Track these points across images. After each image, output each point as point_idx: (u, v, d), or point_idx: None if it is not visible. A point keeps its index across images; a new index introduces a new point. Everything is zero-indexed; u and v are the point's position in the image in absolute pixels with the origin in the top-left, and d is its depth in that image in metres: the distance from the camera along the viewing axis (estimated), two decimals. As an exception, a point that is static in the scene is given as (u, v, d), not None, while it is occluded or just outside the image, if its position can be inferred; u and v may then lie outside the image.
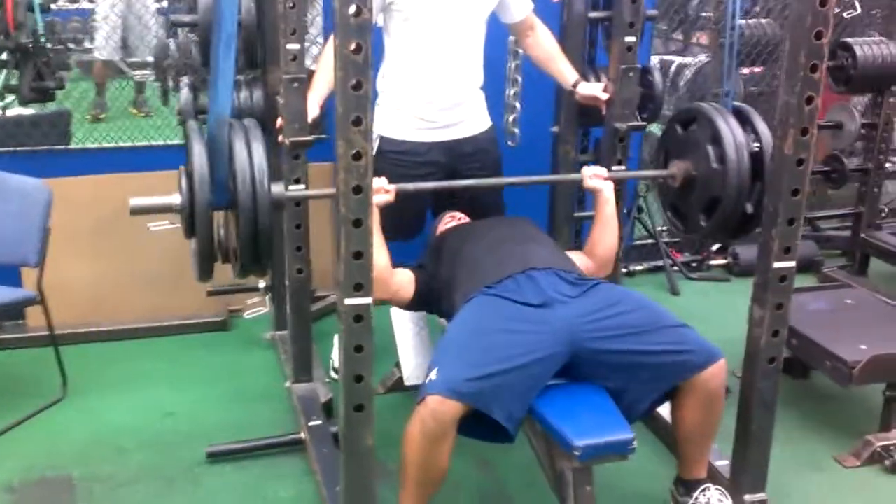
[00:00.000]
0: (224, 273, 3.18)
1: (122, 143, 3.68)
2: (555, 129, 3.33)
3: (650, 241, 4.27)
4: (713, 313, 3.85)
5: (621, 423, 2.06)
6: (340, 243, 1.88)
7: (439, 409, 2.01)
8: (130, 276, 3.47)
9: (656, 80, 3.32)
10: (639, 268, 4.16)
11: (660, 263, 4.19)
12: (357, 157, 1.82)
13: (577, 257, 2.67)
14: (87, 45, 6.84)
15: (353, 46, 1.76)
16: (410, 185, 2.55)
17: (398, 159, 2.86)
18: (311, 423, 2.70)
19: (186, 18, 3.05)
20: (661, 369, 2.21)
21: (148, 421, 2.89)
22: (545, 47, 3.03)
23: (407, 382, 2.92)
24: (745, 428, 2.35)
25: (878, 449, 2.67)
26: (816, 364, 2.79)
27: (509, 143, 3.21)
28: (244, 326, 3.54)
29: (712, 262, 4.32)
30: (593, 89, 2.94)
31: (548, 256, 2.45)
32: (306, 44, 2.83)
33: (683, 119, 2.64)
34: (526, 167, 3.20)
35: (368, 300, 1.91)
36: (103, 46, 6.02)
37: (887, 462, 2.65)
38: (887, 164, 4.23)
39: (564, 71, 3.01)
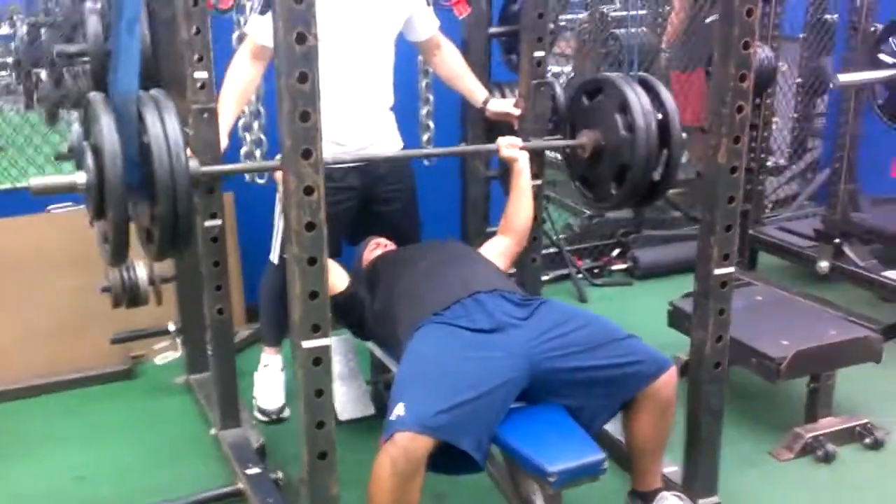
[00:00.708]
0: (127, 319, 3.02)
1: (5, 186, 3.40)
2: (462, 145, 3.32)
3: (553, 249, 4.30)
4: (621, 317, 3.77)
5: (590, 444, 2.05)
6: (294, 283, 1.79)
7: (411, 445, 1.93)
8: (23, 329, 3.20)
9: (557, 93, 3.35)
10: (545, 277, 4.17)
11: (565, 272, 4.23)
12: (308, 191, 1.73)
13: (495, 244, 2.69)
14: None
15: (297, 75, 1.66)
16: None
17: None
18: (248, 472, 2.54)
19: (73, 49, 2.83)
20: (615, 382, 2.21)
21: (60, 488, 2.66)
22: (452, 65, 3.00)
23: (340, 417, 2.83)
24: (695, 434, 2.37)
25: (809, 440, 2.77)
26: (741, 362, 2.85)
27: (426, 162, 3.16)
28: (151, 373, 3.32)
29: (614, 268, 4.40)
30: (504, 105, 2.93)
31: (488, 277, 2.42)
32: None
33: (590, 89, 2.67)
34: (440, 185, 3.17)
35: (327, 341, 1.82)
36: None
37: (819, 452, 2.74)
38: (768, 163, 4.44)
39: (474, 88, 2.99)
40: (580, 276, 4.24)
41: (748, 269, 4.30)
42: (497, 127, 3.24)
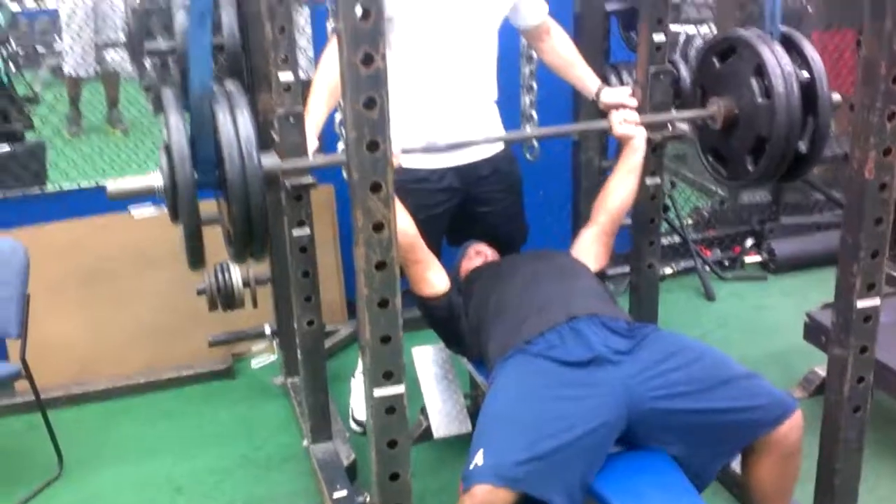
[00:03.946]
0: (225, 321, 2.95)
1: (102, 182, 3.37)
2: (575, 136, 3.06)
3: (677, 239, 3.98)
4: (755, 319, 3.59)
5: (699, 505, 1.79)
6: (364, 327, 1.61)
7: (489, 499, 1.74)
8: (122, 327, 3.19)
9: (682, 75, 3.03)
10: (668, 271, 3.87)
11: (690, 264, 3.91)
12: (378, 228, 1.54)
13: (584, 239, 2.45)
14: (56, 47, 6.48)
15: (364, 100, 1.47)
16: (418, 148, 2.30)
17: (413, 189, 2.57)
18: (335, 495, 2.43)
19: (163, 46, 2.73)
20: (731, 428, 1.96)
21: (156, 500, 2.62)
22: (563, 53, 2.72)
23: (436, 434, 2.66)
24: (829, 483, 2.07)
25: (966, 484, 2.42)
26: (888, 389, 2.52)
27: (528, 156, 2.91)
28: (251, 373, 3.26)
29: (747, 260, 4.05)
30: (619, 96, 2.62)
31: (590, 298, 2.18)
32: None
33: (721, 49, 2.34)
34: (546, 182, 2.93)
35: (401, 389, 1.65)
36: (73, 64, 5.61)
37: (977, 499, 2.39)
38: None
39: (585, 78, 2.70)
40: (707, 269, 3.91)
41: (901, 261, 3.88)
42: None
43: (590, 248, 2.41)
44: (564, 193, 3.10)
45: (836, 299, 2.00)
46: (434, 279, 2.33)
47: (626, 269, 3.19)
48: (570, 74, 2.73)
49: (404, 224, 2.15)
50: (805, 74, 2.15)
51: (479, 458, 1.80)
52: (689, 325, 3.49)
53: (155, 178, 1.78)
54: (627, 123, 2.39)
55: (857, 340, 1.96)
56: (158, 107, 3.65)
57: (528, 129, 2.91)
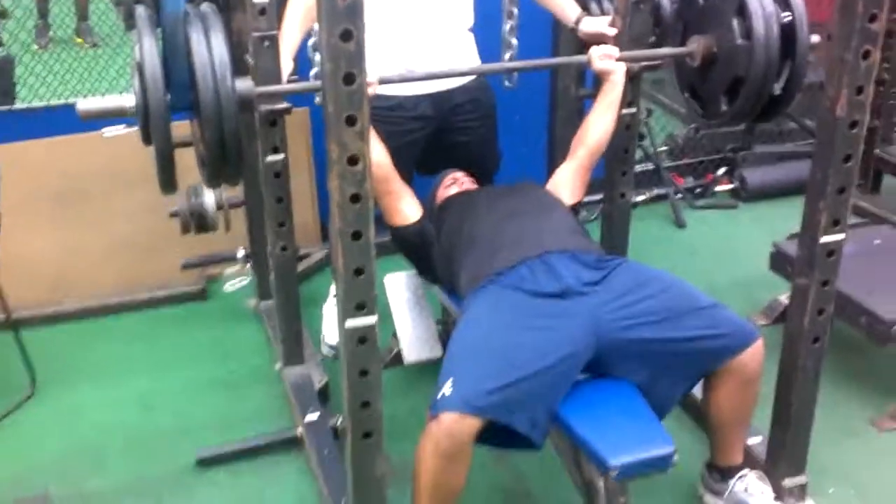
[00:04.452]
0: (198, 242, 2.94)
1: (72, 100, 3.31)
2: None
3: (650, 166, 4.00)
4: (723, 247, 3.64)
5: (660, 434, 1.85)
6: (337, 258, 1.63)
7: (456, 427, 1.79)
8: (95, 247, 3.17)
9: (663, 3, 3.00)
10: (641, 198, 3.88)
11: (663, 191, 3.94)
12: (353, 161, 1.54)
13: (562, 173, 2.45)
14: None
15: (340, 31, 1.45)
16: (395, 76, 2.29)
17: (387, 116, 2.56)
18: (307, 417, 2.47)
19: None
20: (695, 356, 2.01)
21: (129, 418, 2.66)
22: None
23: (407, 359, 2.70)
24: (785, 410, 2.16)
25: (918, 410, 2.51)
26: (848, 320, 2.59)
27: (506, 83, 2.89)
28: (224, 295, 3.26)
29: (718, 188, 4.07)
30: (598, 25, 2.59)
31: (564, 233, 2.20)
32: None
33: None
34: (523, 110, 2.92)
35: (372, 319, 1.67)
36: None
37: (928, 426, 2.49)
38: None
39: (565, 5, 2.66)
40: (679, 196, 3.94)
41: (871, 192, 3.93)
42: (589, 43, 2.94)
43: (567, 182, 2.42)
44: (541, 121, 3.09)
45: (801, 233, 2.04)
46: (406, 209, 2.34)
47: (599, 196, 3.21)
48: (549, 2, 2.69)
49: (378, 155, 2.15)
50: (786, 16, 2.13)
51: (447, 387, 1.83)
52: (659, 253, 3.53)
53: (127, 99, 1.75)
54: (607, 58, 2.37)
55: (819, 274, 2.01)
56: (130, 23, 3.56)
57: (507, 60, 2.87)
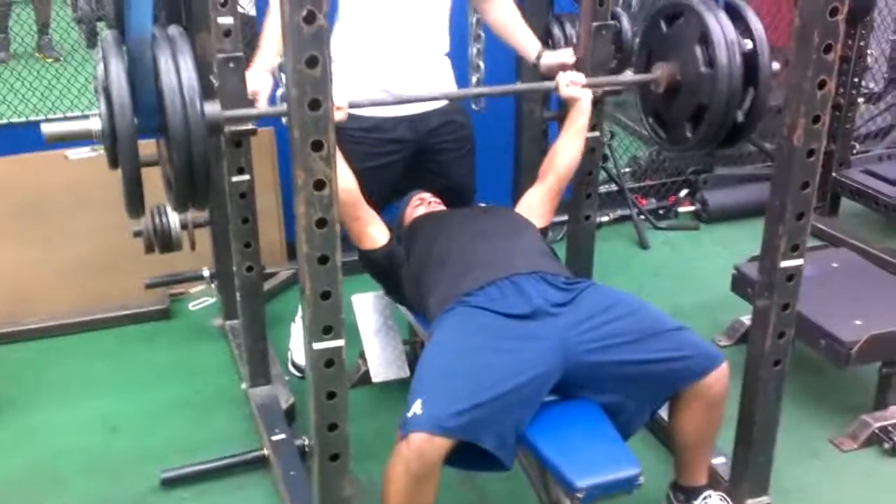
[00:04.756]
0: (162, 262, 2.92)
1: (33, 118, 3.28)
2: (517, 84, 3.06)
3: (614, 188, 4.05)
4: (686, 268, 3.69)
5: (625, 456, 1.87)
6: (304, 282, 1.63)
7: (426, 447, 1.79)
8: (57, 265, 3.14)
9: (624, 27, 3.05)
10: (605, 219, 3.92)
11: (626, 212, 3.98)
12: (319, 186, 1.55)
13: (530, 196, 2.47)
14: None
15: (306, 58, 1.46)
16: (365, 101, 2.27)
17: (363, 137, 2.57)
18: (273, 438, 2.47)
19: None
20: (660, 379, 2.04)
21: (92, 439, 2.62)
22: (504, 15, 2.71)
23: (374, 379, 2.71)
24: (748, 432, 2.19)
25: (876, 430, 2.55)
26: (808, 342, 2.63)
27: (474, 106, 2.92)
28: (188, 314, 3.25)
29: (680, 209, 4.13)
30: (559, 57, 2.62)
31: (532, 256, 2.22)
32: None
33: (668, 14, 2.35)
34: (492, 132, 2.95)
35: (340, 343, 1.68)
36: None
37: (886, 445, 2.53)
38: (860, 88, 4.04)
39: (525, 42, 2.69)
40: (642, 217, 3.99)
41: (829, 215, 4.00)
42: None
43: (538, 206, 2.44)
44: (507, 142, 3.12)
45: (761, 258, 2.08)
46: (375, 234, 2.34)
47: (564, 217, 3.25)
48: (511, 37, 2.72)
49: (346, 181, 2.16)
50: (748, 44, 2.18)
51: (417, 407, 1.84)
52: (622, 273, 3.57)
53: (93, 123, 1.73)
54: (573, 85, 2.40)
55: (779, 298, 2.05)
56: (92, 41, 3.54)
57: (474, 83, 2.91)
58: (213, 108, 1.81)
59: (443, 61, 2.68)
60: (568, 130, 2.45)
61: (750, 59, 2.18)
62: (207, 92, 2.37)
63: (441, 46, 2.65)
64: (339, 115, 2.11)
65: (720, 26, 2.17)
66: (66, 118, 3.18)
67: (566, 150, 2.46)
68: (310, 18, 1.44)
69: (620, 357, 2.00)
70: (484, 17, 2.76)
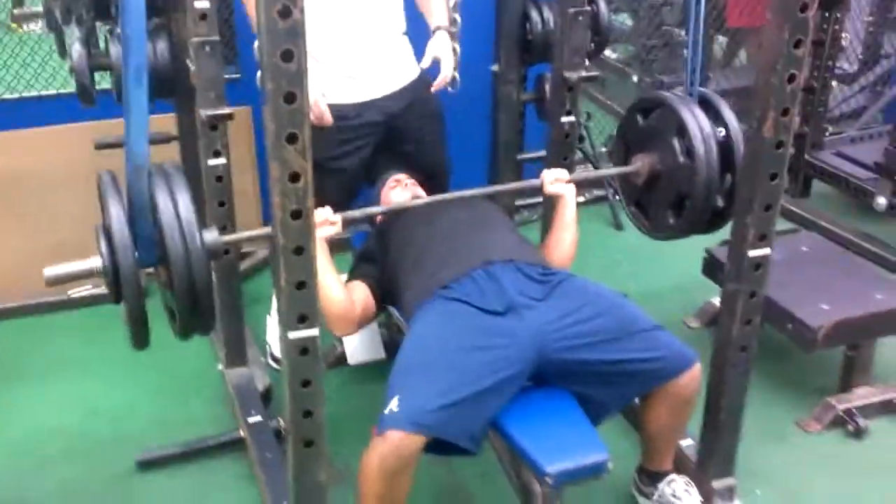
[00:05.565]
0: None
1: (6, 96, 3.25)
2: (494, 67, 3.07)
3: (590, 168, 4.07)
4: (660, 250, 3.64)
5: (595, 442, 1.92)
6: (280, 272, 1.66)
7: (402, 444, 1.83)
8: (30, 245, 3.13)
9: (601, 10, 3.07)
10: (580, 199, 3.94)
11: (602, 193, 4.02)
12: (294, 178, 1.57)
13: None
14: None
15: (281, 52, 1.47)
16: (357, 213, 2.29)
17: (333, 126, 2.57)
18: (250, 420, 2.50)
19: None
20: (633, 377, 2.08)
21: (70, 422, 2.64)
22: None
23: (350, 361, 2.75)
24: (714, 416, 2.24)
25: (841, 412, 2.62)
26: (775, 325, 2.69)
27: (450, 89, 2.92)
28: (166, 294, 3.24)
29: (655, 191, 4.15)
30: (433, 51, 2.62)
31: (508, 245, 2.25)
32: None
33: (644, 108, 2.39)
34: (467, 113, 2.96)
35: (314, 332, 1.70)
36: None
37: (850, 427, 2.59)
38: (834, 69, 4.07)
39: (433, 9, 2.68)
40: (618, 198, 4.00)
41: (801, 196, 4.06)
42: (533, 47, 2.99)
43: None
44: (483, 125, 3.13)
45: (729, 247, 2.12)
46: (368, 313, 2.33)
47: (539, 199, 3.27)
48: (422, 5, 2.73)
49: (334, 294, 2.17)
50: (721, 132, 2.22)
51: (394, 405, 1.87)
52: (597, 254, 3.61)
53: (94, 262, 1.73)
54: (558, 182, 2.39)
55: (747, 286, 2.09)
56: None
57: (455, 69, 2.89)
58: (211, 236, 1.77)
59: (401, 40, 2.70)
60: (557, 225, 2.43)
61: (725, 146, 2.21)
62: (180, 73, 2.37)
63: (398, 26, 2.67)
64: (330, 231, 2.14)
65: (695, 119, 2.21)
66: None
67: (559, 245, 2.42)
68: (285, 13, 1.44)
69: (594, 356, 2.03)
70: None
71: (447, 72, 2.64)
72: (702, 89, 2.28)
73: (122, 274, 1.68)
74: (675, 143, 2.24)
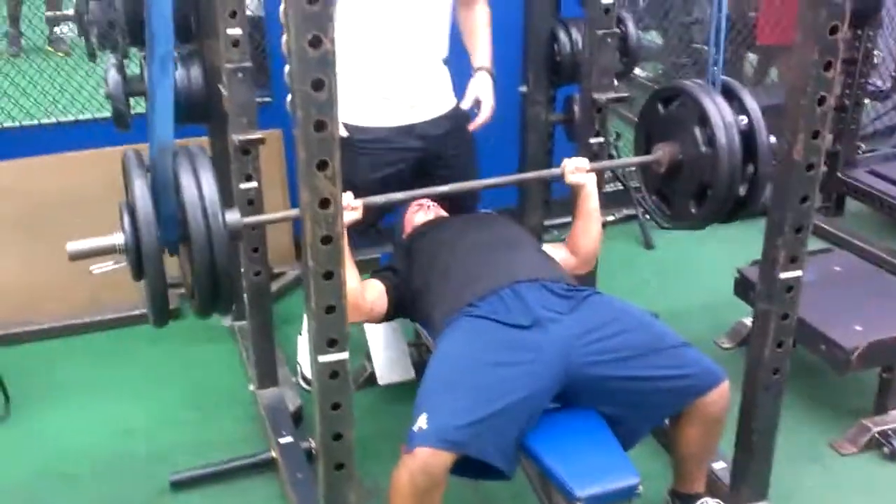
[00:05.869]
0: (170, 263, 2.95)
1: (45, 121, 3.31)
2: (523, 89, 3.08)
3: (620, 187, 4.07)
4: (691, 269, 3.72)
5: (625, 465, 1.91)
6: (310, 296, 1.67)
7: (431, 461, 1.83)
8: (62, 268, 3.12)
9: (630, 31, 3.07)
10: (610, 218, 3.95)
11: (632, 212, 4.01)
12: (324, 204, 1.59)
13: (558, 251, 2.48)
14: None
15: (311, 81, 1.49)
16: (379, 198, 2.27)
17: (367, 148, 2.59)
18: (281, 440, 2.51)
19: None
20: (662, 395, 2.06)
21: (102, 441, 2.67)
22: (472, 20, 2.76)
23: (380, 382, 2.76)
24: (747, 438, 2.22)
25: (876, 434, 2.58)
26: (809, 346, 2.66)
27: (476, 110, 2.94)
28: (197, 314, 3.28)
29: (685, 209, 4.13)
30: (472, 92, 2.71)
31: (533, 264, 2.26)
32: None
33: (665, 97, 2.38)
34: (495, 135, 2.97)
35: (344, 355, 1.71)
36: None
37: (886, 449, 2.56)
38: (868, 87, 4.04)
39: (478, 49, 2.75)
40: (647, 217, 4.00)
41: (834, 215, 4.02)
42: (561, 68, 3.00)
43: (554, 256, 2.43)
44: (512, 145, 3.14)
45: (760, 269, 2.11)
46: (377, 311, 2.35)
47: (569, 218, 3.26)
48: (467, 41, 2.78)
49: (349, 280, 2.16)
50: (744, 122, 2.20)
51: (422, 422, 1.87)
52: (627, 273, 3.59)
53: (116, 238, 1.77)
54: (579, 171, 2.39)
55: (778, 308, 2.07)
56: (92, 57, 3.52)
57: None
58: (233, 217, 1.80)
59: (440, 68, 2.71)
60: (580, 217, 2.44)
61: (748, 135, 2.20)
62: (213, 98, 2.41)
63: (439, 52, 2.68)
64: (352, 216, 2.13)
65: (717, 108, 2.19)
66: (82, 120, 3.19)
67: (583, 238, 2.45)
68: (315, 42, 1.47)
69: (622, 372, 2.02)
70: (459, 22, 2.78)
71: (486, 113, 2.68)
72: (724, 77, 2.25)
73: (144, 251, 1.71)
74: (697, 132, 2.22)
